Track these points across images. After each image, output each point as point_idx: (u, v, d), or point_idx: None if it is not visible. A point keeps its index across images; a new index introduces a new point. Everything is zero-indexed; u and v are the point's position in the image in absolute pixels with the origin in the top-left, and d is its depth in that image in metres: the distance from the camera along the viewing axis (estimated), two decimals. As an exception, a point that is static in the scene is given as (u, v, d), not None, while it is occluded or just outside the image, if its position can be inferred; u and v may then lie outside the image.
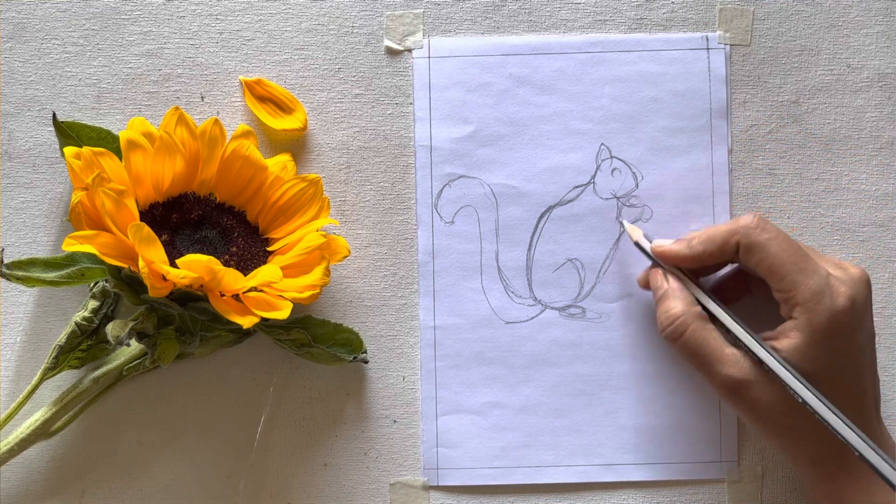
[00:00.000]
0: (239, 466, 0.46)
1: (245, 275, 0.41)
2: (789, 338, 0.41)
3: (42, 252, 0.47)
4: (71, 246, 0.38)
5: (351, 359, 0.45)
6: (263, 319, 0.40)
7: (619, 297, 0.47)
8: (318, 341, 0.45)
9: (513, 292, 0.47)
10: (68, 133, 0.45)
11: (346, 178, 0.47)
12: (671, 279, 0.43)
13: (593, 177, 0.47)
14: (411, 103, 0.47)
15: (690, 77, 0.47)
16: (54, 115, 0.45)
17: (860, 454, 0.39)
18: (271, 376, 0.47)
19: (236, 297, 0.41)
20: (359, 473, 0.47)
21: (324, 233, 0.44)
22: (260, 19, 0.47)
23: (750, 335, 0.41)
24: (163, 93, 0.47)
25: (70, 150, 0.40)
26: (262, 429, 0.46)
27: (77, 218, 0.39)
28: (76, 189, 0.39)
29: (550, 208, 0.47)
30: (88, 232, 0.39)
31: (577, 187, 0.47)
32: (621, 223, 0.47)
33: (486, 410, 0.47)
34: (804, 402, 0.40)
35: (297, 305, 0.43)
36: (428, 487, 0.47)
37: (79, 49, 0.47)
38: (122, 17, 0.47)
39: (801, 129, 0.48)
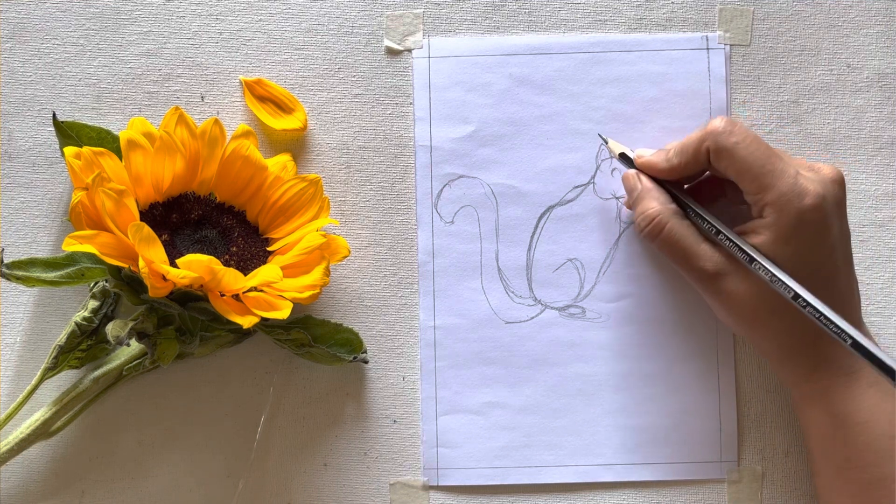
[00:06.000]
0: (239, 466, 0.46)
1: (245, 275, 0.41)
2: (759, 234, 0.41)
3: (42, 252, 0.47)
4: (71, 246, 0.38)
5: (351, 359, 0.45)
6: (263, 319, 0.40)
7: (619, 297, 0.47)
8: (318, 341, 0.45)
9: (513, 292, 0.47)
10: (68, 133, 0.45)
11: (346, 178, 0.47)
12: (644, 179, 0.44)
13: (593, 177, 0.47)
14: (411, 103, 0.47)
15: (690, 77, 0.47)
16: (54, 115, 0.45)
17: (852, 339, 0.39)
18: (271, 376, 0.47)
19: (236, 297, 0.41)
20: (359, 473, 0.47)
21: (324, 233, 0.44)
22: (260, 19, 0.47)
23: (728, 229, 0.42)
24: (163, 93, 0.47)
25: (70, 150, 0.40)
26: (262, 429, 0.46)
27: (77, 218, 0.39)
28: (76, 189, 0.39)
29: (550, 208, 0.47)
30: (88, 232, 0.39)
31: (577, 187, 0.47)
32: (603, 139, 0.46)
33: (486, 410, 0.47)
34: (788, 288, 0.40)
35: (297, 305, 0.43)
36: (428, 487, 0.47)
37: (79, 49, 0.47)
38: (122, 17, 0.47)
39: (801, 129, 0.48)
